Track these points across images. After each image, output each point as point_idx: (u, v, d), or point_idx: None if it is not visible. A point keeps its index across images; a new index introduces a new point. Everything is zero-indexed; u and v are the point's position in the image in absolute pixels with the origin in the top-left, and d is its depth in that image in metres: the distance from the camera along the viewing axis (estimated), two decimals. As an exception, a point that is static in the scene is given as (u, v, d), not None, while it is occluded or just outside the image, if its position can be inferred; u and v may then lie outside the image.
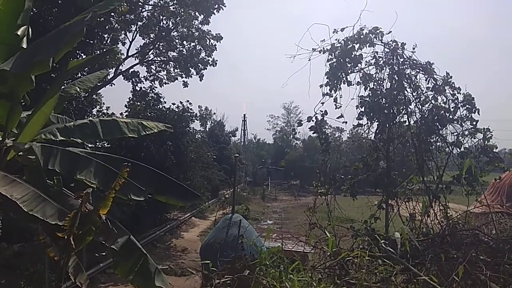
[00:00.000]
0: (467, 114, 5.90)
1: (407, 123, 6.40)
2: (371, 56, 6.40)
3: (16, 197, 4.21)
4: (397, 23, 6.38)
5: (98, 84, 19.08)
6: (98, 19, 15.66)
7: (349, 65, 6.48)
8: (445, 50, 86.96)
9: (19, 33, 4.92)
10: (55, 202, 4.37)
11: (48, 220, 4.18)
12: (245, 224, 10.71)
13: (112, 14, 17.13)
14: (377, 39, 6.28)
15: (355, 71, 6.52)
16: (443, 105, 6.05)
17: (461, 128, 5.96)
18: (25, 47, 4.96)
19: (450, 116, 5.99)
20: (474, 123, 5.91)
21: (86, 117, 15.84)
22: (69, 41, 4.86)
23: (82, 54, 15.57)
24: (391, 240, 4.99)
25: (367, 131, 6.84)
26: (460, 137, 5.98)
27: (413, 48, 6.21)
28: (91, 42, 16.43)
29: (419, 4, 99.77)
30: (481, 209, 6.68)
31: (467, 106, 5.87)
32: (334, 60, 6.47)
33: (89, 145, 7.78)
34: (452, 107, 5.98)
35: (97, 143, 14.96)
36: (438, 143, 6.32)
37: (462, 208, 6.30)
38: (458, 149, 6.05)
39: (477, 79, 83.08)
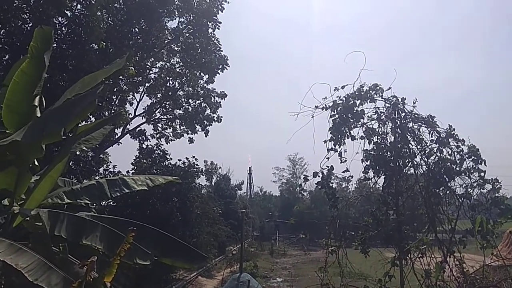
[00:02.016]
0: (474, 166, 5.88)
1: (414, 176, 6.37)
2: (373, 111, 6.52)
3: (22, 266, 4.16)
4: (390, 77, 6.60)
5: (106, 143, 19.51)
6: (107, 82, 16.33)
7: (351, 120, 6.58)
8: (441, 99, 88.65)
9: (32, 103, 5.13)
10: (60, 270, 4.29)
11: (52, 289, 4.08)
12: (254, 284, 10.35)
13: (121, 77, 17.89)
14: (378, 95, 6.43)
15: (358, 126, 6.61)
16: (449, 157, 6.06)
17: (469, 180, 5.91)
18: (38, 115, 5.14)
19: (457, 168, 5.96)
20: (482, 174, 5.87)
21: (93, 176, 15.98)
22: (80, 113, 5.04)
23: (91, 116, 16.03)
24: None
25: (374, 185, 6.81)
26: (469, 189, 5.91)
27: (414, 103, 6.34)
28: (100, 104, 16.97)
29: (411, 58, 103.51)
30: (498, 262, 6.44)
31: (473, 157, 5.87)
32: (337, 116, 6.59)
33: (95, 205, 7.77)
34: (458, 159, 5.98)
35: (103, 202, 14.95)
36: (447, 194, 6.24)
37: (477, 259, 6.07)
38: (468, 201, 5.96)
39: (478, 124, 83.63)
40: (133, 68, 16.58)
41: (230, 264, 24.82)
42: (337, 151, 6.55)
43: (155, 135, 25.74)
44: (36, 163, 5.89)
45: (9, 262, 4.20)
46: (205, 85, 24.90)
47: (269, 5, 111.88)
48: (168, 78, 24.78)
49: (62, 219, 5.01)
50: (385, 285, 5.80)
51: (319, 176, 6.58)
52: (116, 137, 22.73)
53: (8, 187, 5.30)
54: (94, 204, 7.77)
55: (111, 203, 16.93)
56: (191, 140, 25.63)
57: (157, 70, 24.47)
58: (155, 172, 18.76)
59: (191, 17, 22.23)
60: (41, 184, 5.41)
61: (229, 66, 23.44)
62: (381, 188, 6.67)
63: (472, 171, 5.91)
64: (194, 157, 21.77)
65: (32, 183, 5.62)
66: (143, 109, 25.00)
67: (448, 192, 6.15)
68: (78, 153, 7.09)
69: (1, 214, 5.47)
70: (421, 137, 6.32)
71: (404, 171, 6.51)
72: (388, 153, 6.49)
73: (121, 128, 23.14)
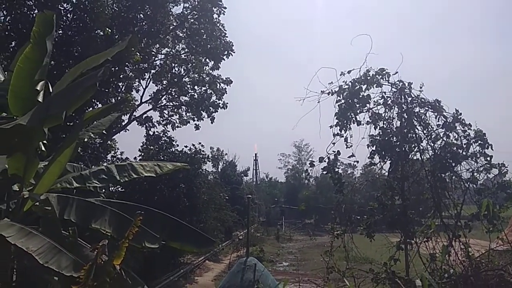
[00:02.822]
0: (480, 150, 5.85)
1: (420, 161, 6.35)
2: (379, 96, 6.47)
3: (32, 249, 4.24)
4: (397, 64, 6.52)
5: (113, 130, 19.63)
6: (113, 69, 16.33)
7: (357, 105, 6.54)
8: (453, 89, 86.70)
9: (37, 88, 5.15)
10: (70, 254, 4.37)
11: (63, 272, 4.17)
12: (260, 267, 10.47)
13: (127, 63, 17.87)
14: (384, 79, 6.37)
15: (364, 111, 6.57)
16: (455, 141, 6.02)
17: (475, 164, 5.89)
18: (40, 100, 5.18)
19: (463, 153, 5.93)
20: (488, 158, 5.84)
21: (101, 162, 16.15)
22: (81, 95, 5.06)
23: (98, 103, 16.12)
24: (413, 283, 4.81)
25: (380, 170, 6.81)
26: (475, 173, 5.89)
27: (420, 87, 6.27)
28: (106, 90, 17.04)
29: (423, 45, 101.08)
30: (504, 246, 6.45)
31: (480, 142, 5.83)
32: (343, 101, 6.55)
33: (103, 191, 7.87)
34: (464, 144, 5.94)
35: (111, 188, 15.14)
36: (453, 179, 6.23)
37: (483, 244, 6.09)
38: (474, 186, 5.95)
39: (490, 113, 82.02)
40: (138, 54, 16.57)
41: (236, 249, 25.12)
42: (343, 137, 6.55)
43: (161, 122, 25.84)
44: (43, 148, 5.95)
45: (19, 245, 4.28)
46: (211, 71, 24.82)
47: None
48: (173, 64, 24.70)
49: (71, 203, 5.09)
50: (390, 269, 5.85)
51: (325, 161, 6.59)
52: (123, 123, 22.84)
53: (18, 172, 5.37)
54: (103, 190, 7.87)
55: (119, 189, 17.17)
56: (197, 127, 25.70)
57: (163, 56, 24.39)
58: (162, 158, 18.91)
59: (196, 2, 22.00)
60: (50, 169, 5.47)
61: (234, 52, 23.30)
62: (386, 173, 6.68)
63: (478, 155, 5.88)
64: (200, 143, 21.92)
65: (41, 169, 5.68)
66: (149, 96, 25.06)
67: (454, 177, 6.13)
68: (86, 139, 7.12)
69: (11, 199, 5.56)
70: (427, 121, 6.28)
71: (410, 156, 6.49)
72: (394, 138, 6.46)
73: (128, 115, 23.24)
